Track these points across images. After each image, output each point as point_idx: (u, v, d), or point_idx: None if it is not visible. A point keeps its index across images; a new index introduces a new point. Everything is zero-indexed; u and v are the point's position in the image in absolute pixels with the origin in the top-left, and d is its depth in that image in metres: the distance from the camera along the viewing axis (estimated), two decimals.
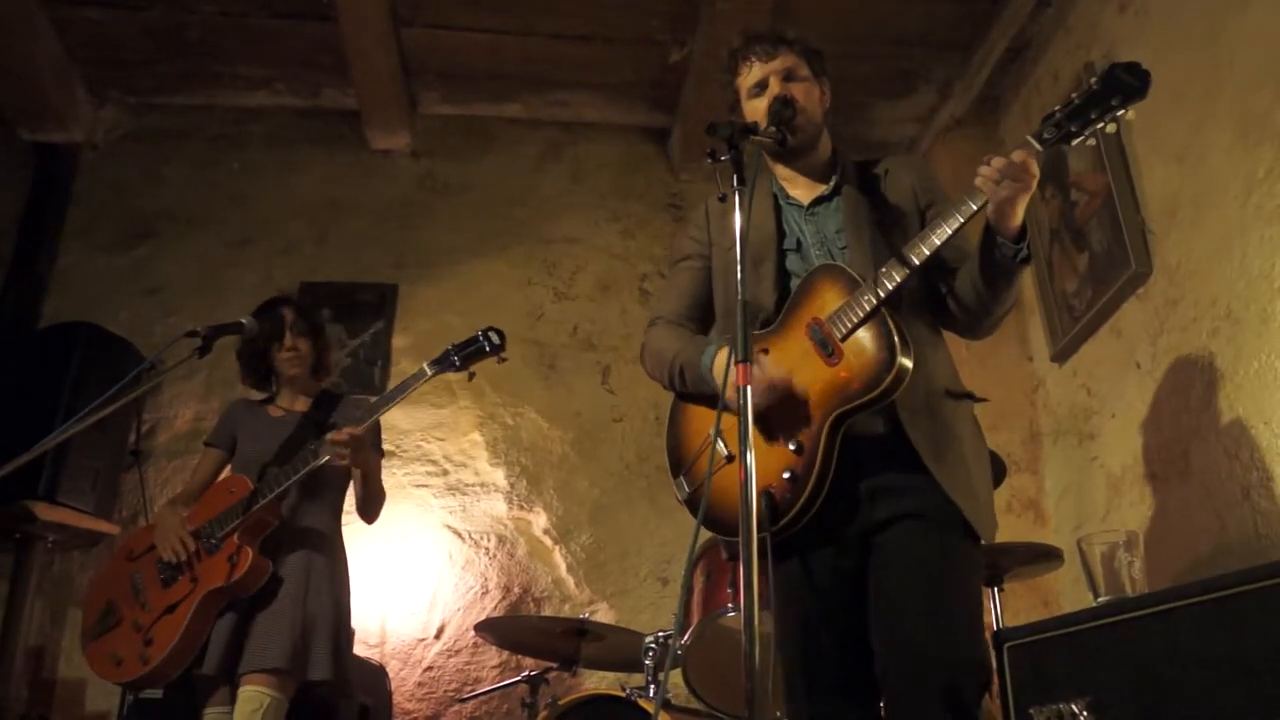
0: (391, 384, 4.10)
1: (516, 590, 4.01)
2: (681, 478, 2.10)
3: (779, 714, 2.57)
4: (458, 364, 2.74)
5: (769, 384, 1.88)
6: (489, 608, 3.95)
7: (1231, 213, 2.94)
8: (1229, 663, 1.99)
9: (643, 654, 2.91)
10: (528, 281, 4.51)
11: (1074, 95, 1.81)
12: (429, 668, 3.86)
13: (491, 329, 2.77)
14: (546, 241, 4.59)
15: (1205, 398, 3.02)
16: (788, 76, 2.09)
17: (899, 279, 1.87)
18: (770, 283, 2.05)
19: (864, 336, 1.88)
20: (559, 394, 4.33)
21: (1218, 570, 2.54)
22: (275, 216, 4.52)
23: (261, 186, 4.58)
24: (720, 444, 2.00)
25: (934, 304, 2.07)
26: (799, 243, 2.09)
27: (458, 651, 3.89)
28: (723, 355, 1.97)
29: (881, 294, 1.86)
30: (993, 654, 2.31)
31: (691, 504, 2.06)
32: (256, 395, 3.13)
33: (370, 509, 2.93)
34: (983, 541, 1.93)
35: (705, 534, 2.37)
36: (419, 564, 4.00)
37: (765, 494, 1.87)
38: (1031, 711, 2.33)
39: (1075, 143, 1.80)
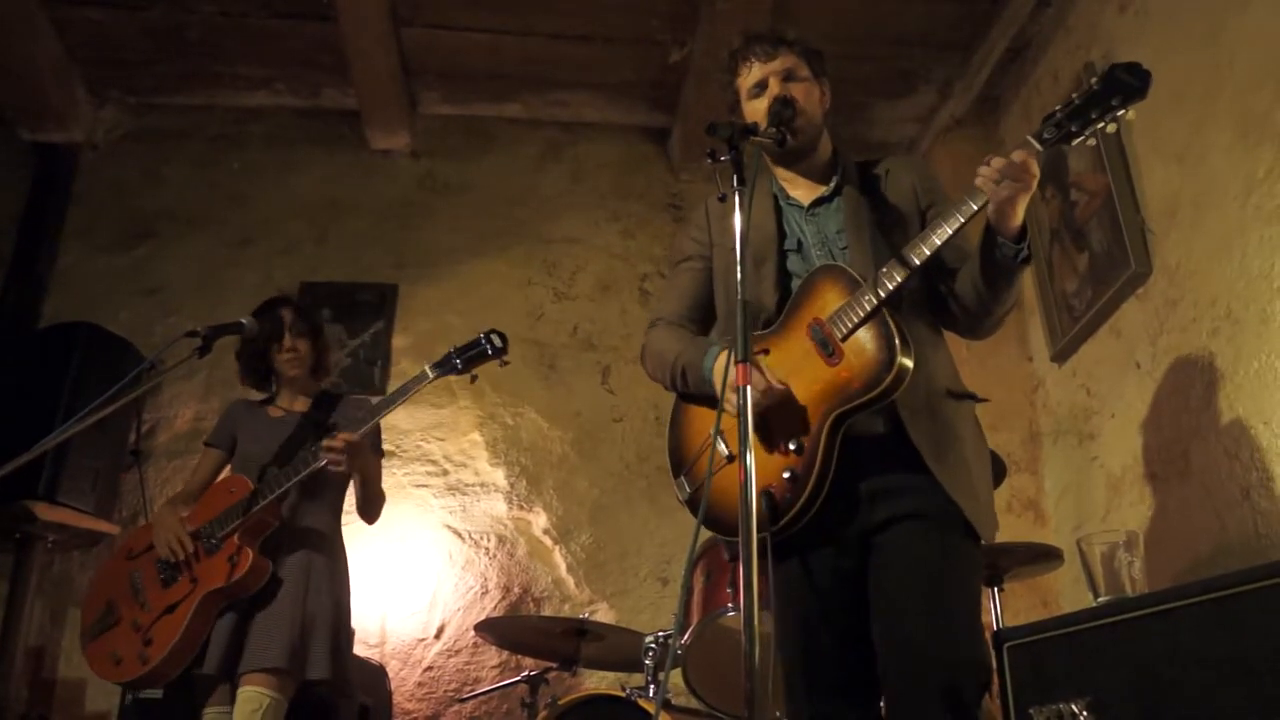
0: (392, 384, 4.12)
1: (516, 590, 4.01)
2: (682, 478, 2.10)
3: (779, 714, 2.56)
4: (460, 367, 2.73)
5: (767, 389, 1.88)
6: (489, 608, 3.95)
7: (1231, 213, 2.94)
8: (1229, 663, 1.99)
9: (643, 654, 2.90)
10: (528, 281, 4.51)
11: (1074, 95, 1.81)
12: (429, 668, 3.86)
13: (494, 332, 2.75)
14: (546, 241, 4.58)
15: (1205, 398, 3.02)
16: (788, 77, 2.09)
17: (899, 279, 1.87)
18: (771, 283, 2.05)
19: (864, 336, 1.88)
20: (559, 394, 4.33)
21: (1218, 570, 2.54)
22: (275, 216, 4.52)
23: (261, 186, 4.58)
24: (721, 444, 2.00)
25: (934, 304, 2.07)
26: (800, 243, 2.09)
27: (458, 651, 3.89)
28: (723, 358, 1.97)
29: (882, 294, 1.86)
30: (993, 654, 2.31)
31: (692, 504, 2.06)
32: (256, 395, 3.13)
33: (370, 510, 2.94)
34: (983, 542, 1.93)
35: (705, 534, 2.37)
36: (419, 564, 4.00)
37: (765, 494, 1.87)
38: (1031, 711, 2.33)
39: (1075, 143, 1.80)
